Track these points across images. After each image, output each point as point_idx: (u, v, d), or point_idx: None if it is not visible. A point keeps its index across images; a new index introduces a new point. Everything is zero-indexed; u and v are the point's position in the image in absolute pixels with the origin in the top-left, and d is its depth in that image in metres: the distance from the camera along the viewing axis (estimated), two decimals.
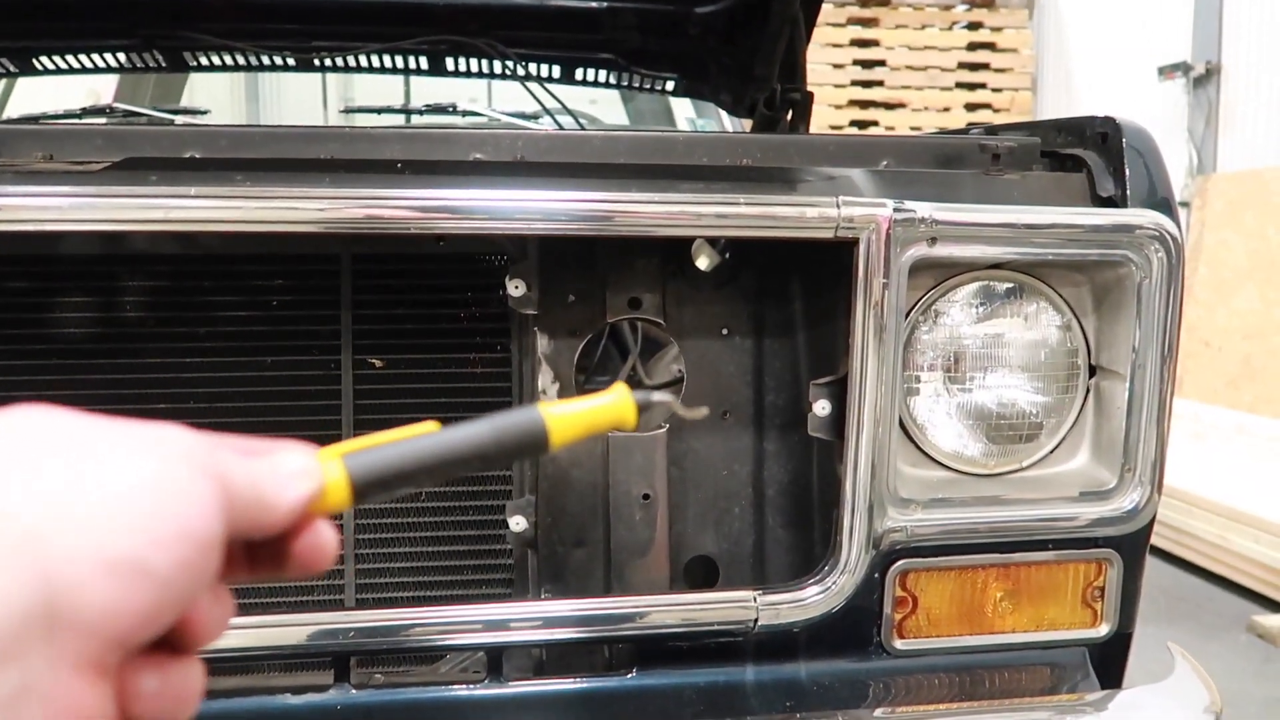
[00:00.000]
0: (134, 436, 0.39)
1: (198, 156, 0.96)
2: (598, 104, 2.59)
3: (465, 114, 2.12)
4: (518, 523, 1.09)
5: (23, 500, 0.35)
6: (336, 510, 0.46)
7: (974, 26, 6.69)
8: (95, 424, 0.39)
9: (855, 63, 6.52)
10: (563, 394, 1.11)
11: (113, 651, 0.36)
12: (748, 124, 2.15)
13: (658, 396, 0.53)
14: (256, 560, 0.45)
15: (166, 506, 0.37)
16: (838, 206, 0.97)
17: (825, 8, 2.40)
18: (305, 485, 0.44)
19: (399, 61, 2.08)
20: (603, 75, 2.19)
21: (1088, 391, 1.10)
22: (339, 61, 2.06)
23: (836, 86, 6.47)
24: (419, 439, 0.47)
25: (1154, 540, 1.11)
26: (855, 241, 0.98)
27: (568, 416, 0.50)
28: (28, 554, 0.34)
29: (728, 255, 1.11)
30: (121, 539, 0.35)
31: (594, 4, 1.95)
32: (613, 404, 0.51)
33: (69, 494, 0.36)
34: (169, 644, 0.40)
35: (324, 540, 0.45)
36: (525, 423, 0.49)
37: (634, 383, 1.19)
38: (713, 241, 1.10)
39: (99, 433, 0.39)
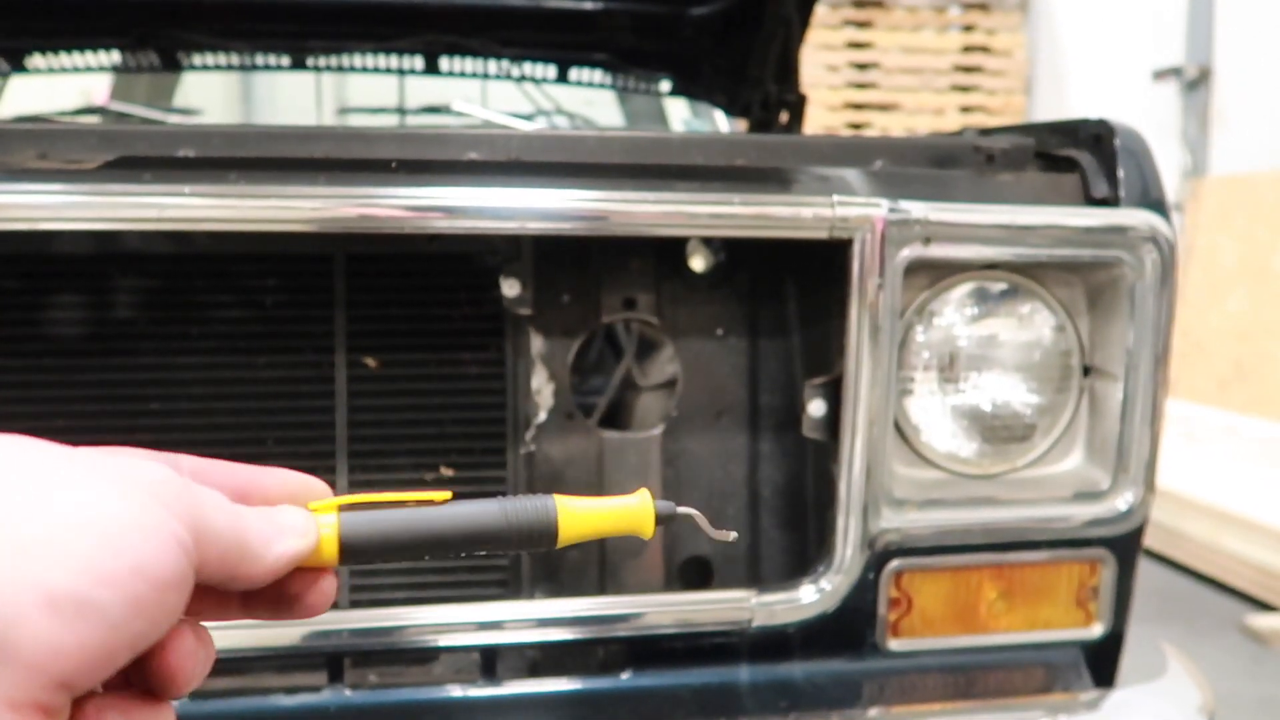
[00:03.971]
0: (99, 470, 0.38)
1: (191, 156, 0.96)
2: (593, 105, 2.59)
3: (460, 114, 2.12)
4: None
5: None
6: (319, 565, 0.44)
7: (968, 29, 6.71)
8: (62, 455, 0.38)
9: (850, 65, 6.53)
10: (557, 395, 1.10)
11: (57, 692, 0.34)
12: (742, 126, 2.15)
13: (682, 510, 0.50)
14: (251, 601, 0.44)
15: (120, 542, 0.35)
16: (832, 207, 0.97)
17: (820, 10, 2.41)
18: (296, 543, 0.42)
19: (394, 62, 2.08)
20: (597, 76, 2.19)
21: (1081, 392, 1.10)
22: (333, 62, 2.06)
23: (831, 89, 6.48)
24: (422, 510, 0.45)
25: (1146, 541, 1.12)
26: (850, 241, 0.98)
27: (581, 514, 0.47)
28: None
29: (722, 255, 1.11)
30: (66, 575, 0.34)
31: (589, 5, 1.95)
32: (632, 509, 0.48)
33: (16, 526, 0.34)
34: (143, 685, 0.39)
35: (324, 590, 0.43)
36: (537, 512, 0.46)
37: (632, 386, 1.19)
38: (707, 242, 1.10)
39: (63, 464, 0.37)
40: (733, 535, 0.52)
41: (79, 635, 0.34)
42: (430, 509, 0.45)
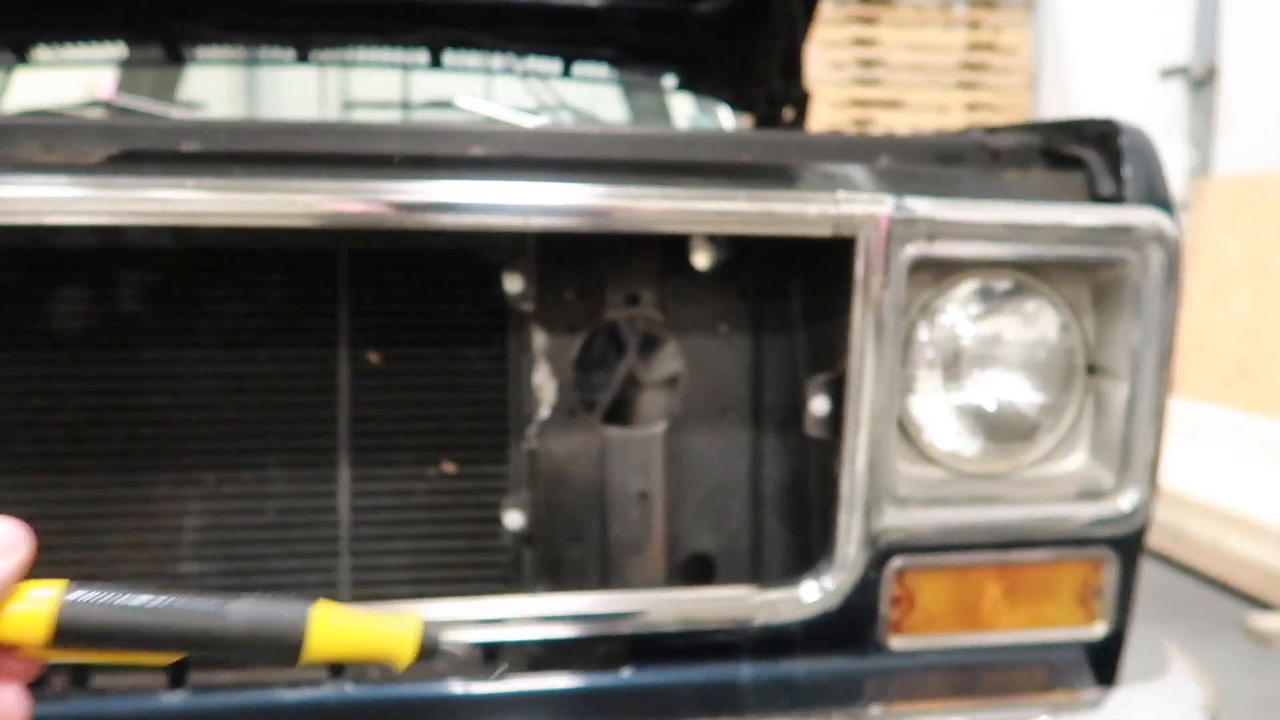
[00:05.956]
0: None
1: (195, 150, 0.96)
2: (597, 101, 2.59)
3: (464, 110, 2.12)
4: (513, 519, 1.08)
5: None
6: (26, 643, 0.40)
7: (973, 26, 6.69)
8: None
9: (855, 62, 6.52)
10: (560, 391, 1.10)
11: None
12: (747, 122, 2.15)
13: (447, 645, 0.46)
14: None
15: None
16: (837, 204, 0.97)
17: (825, 7, 2.40)
18: (7, 561, 0.39)
19: (398, 57, 2.08)
20: (602, 72, 2.19)
21: (1086, 391, 1.10)
22: (337, 56, 2.06)
23: (836, 86, 6.47)
24: (158, 600, 0.41)
25: (1149, 541, 1.11)
26: (854, 239, 0.98)
27: (337, 629, 0.43)
28: None
29: (726, 252, 1.11)
30: None
31: (593, 0, 1.95)
32: (394, 632, 0.45)
33: None
34: None
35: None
36: (284, 620, 0.42)
37: (635, 383, 1.19)
38: (711, 238, 1.10)
39: None
40: (498, 670, 0.50)
41: None
42: (168, 600, 0.41)
